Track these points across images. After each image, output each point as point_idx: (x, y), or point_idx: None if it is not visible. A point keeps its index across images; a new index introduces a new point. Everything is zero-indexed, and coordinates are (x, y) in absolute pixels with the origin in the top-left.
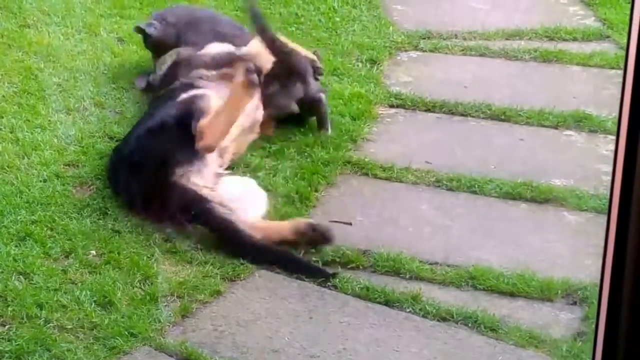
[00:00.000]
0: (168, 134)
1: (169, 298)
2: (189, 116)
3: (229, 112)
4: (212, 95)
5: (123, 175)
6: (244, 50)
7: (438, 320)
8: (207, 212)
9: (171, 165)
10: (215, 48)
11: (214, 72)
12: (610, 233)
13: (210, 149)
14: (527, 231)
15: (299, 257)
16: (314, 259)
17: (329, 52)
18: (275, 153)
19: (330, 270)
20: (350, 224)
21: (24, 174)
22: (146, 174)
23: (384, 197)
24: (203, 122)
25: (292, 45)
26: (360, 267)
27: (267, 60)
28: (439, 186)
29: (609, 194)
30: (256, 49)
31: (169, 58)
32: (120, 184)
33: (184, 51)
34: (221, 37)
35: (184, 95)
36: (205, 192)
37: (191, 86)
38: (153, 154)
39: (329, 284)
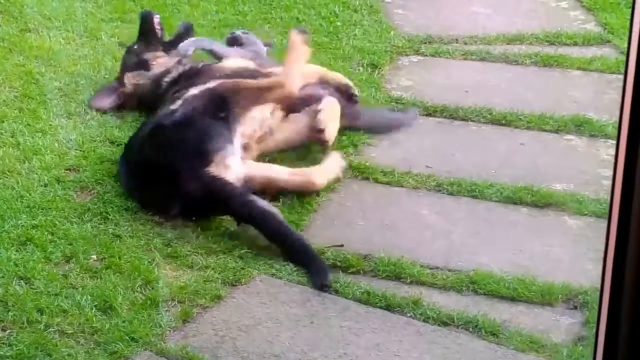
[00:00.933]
0: (198, 123)
1: (169, 303)
2: (221, 100)
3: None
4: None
5: (145, 177)
6: (269, 69)
7: (439, 325)
8: (248, 205)
9: (206, 154)
10: (236, 63)
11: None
12: (610, 237)
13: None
14: (528, 236)
15: (324, 264)
16: None
17: (330, 56)
18: (275, 158)
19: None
20: (342, 245)
21: (25, 179)
22: (179, 171)
23: (384, 201)
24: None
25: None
26: (361, 272)
27: (294, 84)
28: (439, 190)
29: (609, 198)
30: (285, 73)
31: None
32: (140, 186)
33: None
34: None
35: (210, 85)
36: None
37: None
38: (185, 148)
39: (329, 288)
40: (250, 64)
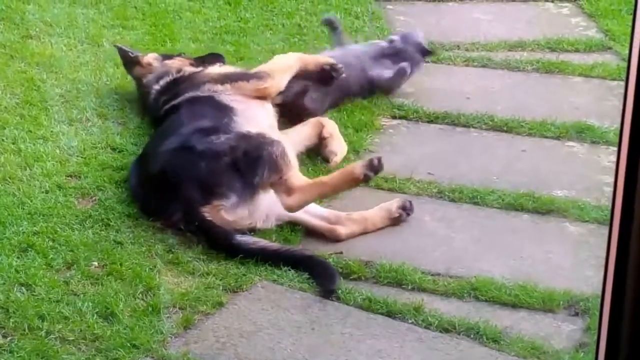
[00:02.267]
0: (213, 162)
1: (171, 309)
2: (249, 157)
3: (326, 190)
4: (289, 147)
5: (152, 191)
6: (259, 67)
7: (440, 332)
8: (234, 248)
9: (209, 195)
10: (221, 69)
11: (228, 86)
12: (612, 244)
13: (291, 210)
14: (529, 242)
15: (332, 267)
16: None
17: None
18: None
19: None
20: (341, 252)
21: (26, 185)
22: (179, 197)
23: None
24: (299, 182)
25: None
26: (363, 278)
27: (283, 78)
28: (441, 197)
29: (610, 205)
30: (271, 67)
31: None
32: (148, 199)
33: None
34: None
35: (239, 125)
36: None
37: (212, 100)
38: (190, 179)
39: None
40: (233, 69)
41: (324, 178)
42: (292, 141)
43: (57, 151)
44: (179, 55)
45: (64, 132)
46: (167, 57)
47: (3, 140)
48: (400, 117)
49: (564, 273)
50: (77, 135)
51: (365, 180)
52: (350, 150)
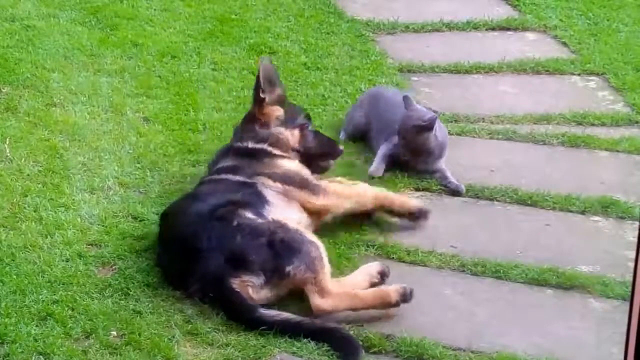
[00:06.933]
0: (249, 237)
1: None
2: (287, 245)
3: (357, 304)
4: (325, 252)
5: (177, 254)
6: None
7: None
8: (256, 321)
9: (237, 268)
10: (289, 164)
11: (279, 185)
12: (632, 320)
13: (321, 312)
14: (553, 318)
15: (355, 340)
16: None
17: None
18: None
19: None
20: (362, 325)
21: (47, 253)
22: (208, 265)
23: (408, 281)
24: (333, 287)
25: None
26: (383, 352)
27: (339, 204)
28: (463, 271)
29: (631, 280)
30: (337, 187)
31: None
32: (171, 262)
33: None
34: None
35: (268, 212)
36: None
37: (254, 187)
38: (222, 249)
39: None
40: (306, 172)
41: (358, 292)
42: None
43: (78, 219)
44: (304, 125)
45: (86, 201)
46: (291, 117)
47: (25, 208)
48: (424, 189)
49: (588, 350)
50: (99, 203)
51: (396, 306)
52: (372, 222)
